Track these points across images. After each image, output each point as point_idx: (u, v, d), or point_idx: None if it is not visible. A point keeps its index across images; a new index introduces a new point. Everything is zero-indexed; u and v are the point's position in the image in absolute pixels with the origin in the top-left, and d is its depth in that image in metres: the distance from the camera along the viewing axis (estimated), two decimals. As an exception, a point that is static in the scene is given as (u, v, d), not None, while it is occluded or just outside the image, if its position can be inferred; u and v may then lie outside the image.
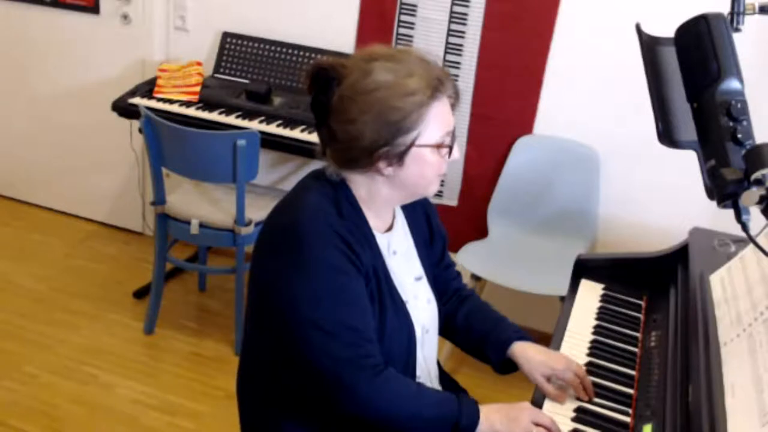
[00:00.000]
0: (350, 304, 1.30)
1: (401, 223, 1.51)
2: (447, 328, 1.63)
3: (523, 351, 1.49)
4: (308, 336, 1.28)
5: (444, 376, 1.64)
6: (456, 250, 2.77)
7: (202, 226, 2.75)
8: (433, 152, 1.34)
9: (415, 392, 1.34)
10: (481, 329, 1.57)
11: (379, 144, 1.30)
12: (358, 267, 1.32)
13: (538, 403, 1.42)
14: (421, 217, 1.56)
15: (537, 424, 1.32)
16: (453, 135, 1.38)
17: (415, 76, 1.30)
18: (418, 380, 1.48)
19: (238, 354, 2.84)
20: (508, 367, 1.53)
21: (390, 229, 1.48)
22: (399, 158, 1.32)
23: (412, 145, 1.31)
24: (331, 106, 1.32)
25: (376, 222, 1.43)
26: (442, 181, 3.23)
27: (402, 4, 2.98)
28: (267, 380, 1.43)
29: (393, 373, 1.33)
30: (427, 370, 1.52)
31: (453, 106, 1.39)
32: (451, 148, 1.36)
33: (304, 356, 1.29)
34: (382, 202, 1.41)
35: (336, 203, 1.35)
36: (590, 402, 1.42)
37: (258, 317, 1.42)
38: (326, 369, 1.28)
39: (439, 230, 1.60)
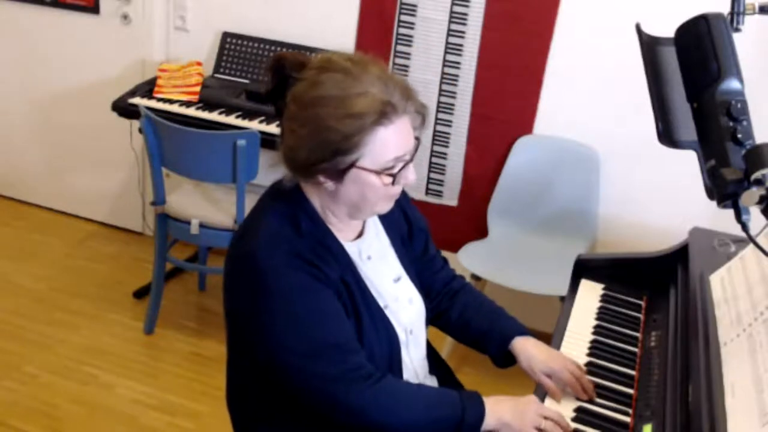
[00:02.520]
0: (327, 321, 1.28)
1: (373, 226, 1.47)
2: (442, 324, 1.61)
3: (524, 347, 1.49)
4: (293, 363, 1.26)
5: (441, 370, 1.63)
6: (456, 250, 2.77)
7: (202, 226, 2.75)
8: (375, 176, 1.28)
9: (413, 396, 1.32)
10: (480, 325, 1.56)
11: (316, 159, 1.25)
12: (325, 282, 1.30)
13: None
14: (396, 212, 1.48)
15: (545, 418, 1.31)
16: (409, 159, 1.30)
17: (366, 96, 1.22)
18: None
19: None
20: (508, 361, 1.53)
21: (360, 235, 1.44)
22: (338, 175, 1.27)
23: (352, 165, 1.26)
24: (285, 104, 1.29)
25: (341, 232, 1.39)
26: (442, 180, 3.24)
27: (402, 4, 2.97)
28: (255, 396, 1.42)
29: (389, 379, 1.31)
30: (414, 371, 1.49)
31: (420, 123, 1.32)
32: (394, 177, 1.29)
33: (293, 383, 1.28)
34: (335, 216, 1.37)
35: (294, 222, 1.31)
36: (590, 402, 1.42)
37: (238, 349, 1.41)
38: (318, 390, 1.27)
39: (417, 223, 1.56)
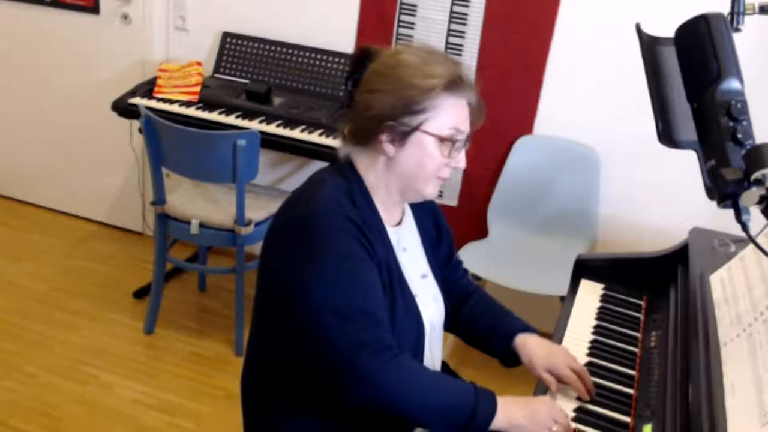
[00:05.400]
0: (364, 288, 1.30)
1: (410, 220, 1.53)
2: (451, 323, 1.63)
3: (525, 344, 1.51)
4: (323, 321, 1.26)
5: (444, 370, 1.64)
6: (456, 250, 2.77)
7: (202, 226, 2.75)
8: (435, 144, 1.36)
9: (430, 378, 1.32)
10: (486, 323, 1.58)
11: (387, 115, 1.33)
12: (372, 255, 1.33)
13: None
14: (429, 217, 1.58)
15: (556, 421, 1.31)
16: (464, 139, 1.39)
17: (442, 65, 1.36)
18: None
19: (238, 354, 2.85)
20: (513, 359, 1.54)
21: (399, 224, 1.49)
22: (402, 137, 1.35)
23: (417, 127, 1.34)
24: (361, 79, 1.39)
25: (386, 215, 1.44)
26: (442, 181, 3.20)
27: (402, 4, 2.98)
28: (273, 379, 1.42)
29: (408, 358, 1.31)
30: (432, 365, 1.52)
31: (474, 120, 1.42)
32: (453, 144, 1.37)
33: (318, 342, 1.27)
34: (386, 191, 1.42)
35: (349, 195, 1.37)
36: (590, 402, 1.42)
37: (268, 310, 1.41)
38: (341, 352, 1.25)
39: (446, 229, 1.62)
